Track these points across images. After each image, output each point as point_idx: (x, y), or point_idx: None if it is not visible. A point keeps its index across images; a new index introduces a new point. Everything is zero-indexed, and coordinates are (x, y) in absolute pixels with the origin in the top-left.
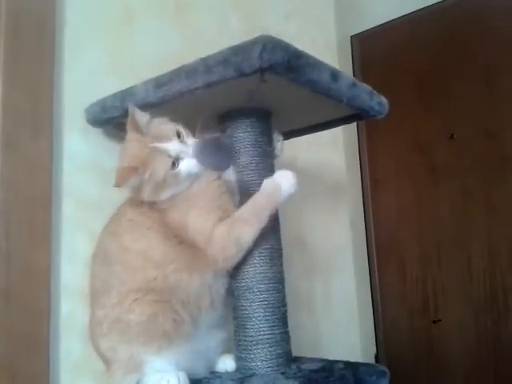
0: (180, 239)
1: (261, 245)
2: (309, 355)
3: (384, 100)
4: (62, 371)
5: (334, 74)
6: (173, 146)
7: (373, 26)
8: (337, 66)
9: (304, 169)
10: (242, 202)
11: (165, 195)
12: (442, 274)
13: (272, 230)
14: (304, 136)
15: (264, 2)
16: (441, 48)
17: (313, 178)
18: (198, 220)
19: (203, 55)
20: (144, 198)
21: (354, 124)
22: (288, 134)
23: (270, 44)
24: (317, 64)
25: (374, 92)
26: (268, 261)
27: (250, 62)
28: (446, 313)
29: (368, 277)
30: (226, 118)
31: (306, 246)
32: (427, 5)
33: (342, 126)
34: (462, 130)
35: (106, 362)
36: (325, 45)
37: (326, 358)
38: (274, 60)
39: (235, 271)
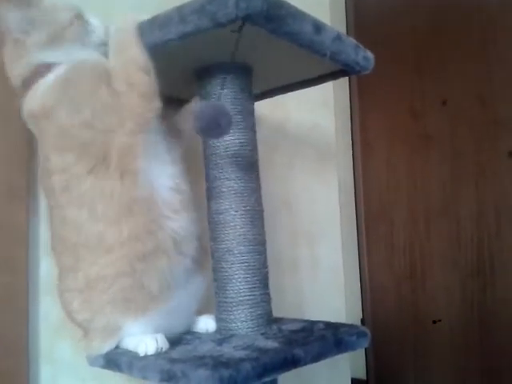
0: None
1: (241, 206)
2: None
3: (370, 55)
4: (42, 332)
5: (317, 26)
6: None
7: None
8: None
9: (293, 130)
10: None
11: (61, 51)
12: (430, 240)
13: (252, 190)
14: (294, 97)
15: None
16: (438, 11)
17: (301, 140)
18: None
19: None
20: (29, 51)
21: (346, 86)
22: (271, 92)
23: None
24: (299, 15)
25: (360, 46)
26: (249, 222)
27: (226, 10)
28: (433, 279)
29: (356, 242)
30: (204, 73)
31: (293, 210)
32: None
33: (333, 88)
34: (455, 96)
35: (83, 329)
36: (317, 4)
37: None
38: (252, 9)
39: (215, 234)
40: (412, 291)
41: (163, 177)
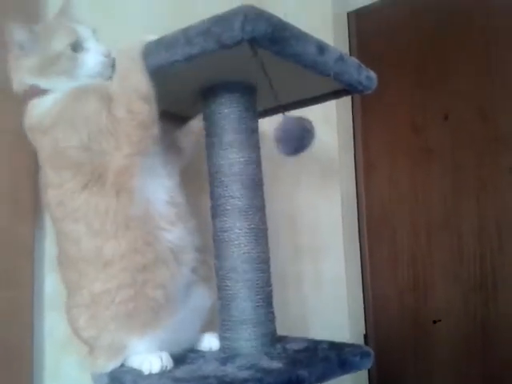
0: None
1: (245, 224)
2: (297, 335)
3: (372, 74)
4: (47, 347)
5: (321, 47)
6: (82, 30)
7: (370, 3)
8: (332, 43)
9: None
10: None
11: (48, 81)
12: (432, 254)
13: (257, 209)
14: (297, 114)
15: None
16: (439, 27)
17: (304, 157)
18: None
19: None
20: (22, 71)
21: (349, 102)
22: (275, 110)
23: (252, 14)
24: (302, 36)
25: (362, 66)
26: (253, 240)
27: (231, 33)
28: (436, 293)
29: (359, 257)
30: (209, 92)
31: (296, 226)
32: None
33: (336, 104)
34: (457, 111)
35: (89, 346)
36: (321, 21)
37: (314, 337)
38: (257, 31)
39: (219, 252)
40: (415, 305)
41: (159, 191)
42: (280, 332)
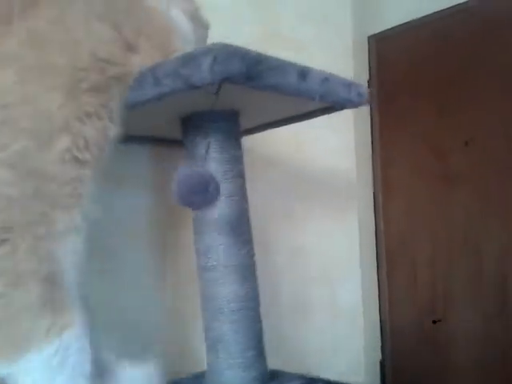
0: None
1: (230, 263)
2: (313, 362)
3: (364, 90)
4: None
5: (302, 73)
6: None
7: (391, 27)
8: (352, 68)
9: (313, 175)
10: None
11: None
12: (452, 280)
13: (243, 243)
14: (314, 141)
15: (278, 5)
16: (461, 51)
17: (322, 185)
18: None
19: None
20: None
21: (368, 129)
22: (260, 128)
23: (222, 55)
24: (280, 66)
25: (353, 83)
26: (238, 278)
27: (200, 74)
28: (456, 318)
29: (376, 283)
30: (188, 122)
31: (312, 254)
32: (448, 6)
33: (354, 131)
34: (478, 137)
35: None
36: (340, 46)
37: (329, 363)
38: (229, 71)
39: (204, 292)
40: (434, 331)
41: None
42: (297, 357)
